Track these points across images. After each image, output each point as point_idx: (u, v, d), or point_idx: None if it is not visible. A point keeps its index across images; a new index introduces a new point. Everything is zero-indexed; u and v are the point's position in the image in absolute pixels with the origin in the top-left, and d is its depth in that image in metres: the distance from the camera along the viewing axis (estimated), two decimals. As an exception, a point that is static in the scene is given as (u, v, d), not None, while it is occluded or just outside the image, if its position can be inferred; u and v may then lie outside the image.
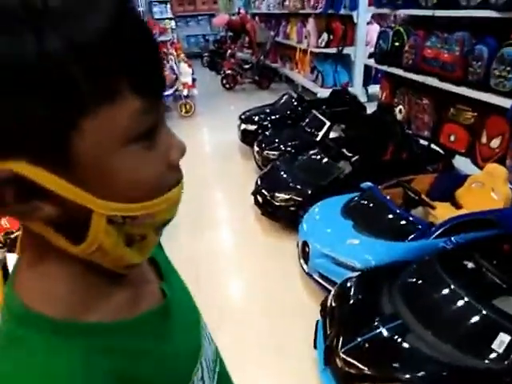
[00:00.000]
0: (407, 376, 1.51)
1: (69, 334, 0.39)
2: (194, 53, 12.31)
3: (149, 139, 0.39)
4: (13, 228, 2.25)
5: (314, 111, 4.30)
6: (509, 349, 1.48)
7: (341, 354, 1.65)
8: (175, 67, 6.62)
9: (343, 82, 6.38)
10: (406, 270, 1.98)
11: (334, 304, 1.94)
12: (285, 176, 3.33)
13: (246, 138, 4.75)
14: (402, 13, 3.97)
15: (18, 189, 0.34)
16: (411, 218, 2.43)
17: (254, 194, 3.39)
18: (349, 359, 1.62)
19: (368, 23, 6.27)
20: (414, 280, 1.94)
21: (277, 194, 3.14)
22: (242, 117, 4.93)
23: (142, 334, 0.46)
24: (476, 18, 2.82)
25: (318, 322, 2.00)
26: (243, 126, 4.81)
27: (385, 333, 1.67)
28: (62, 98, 0.32)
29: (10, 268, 1.98)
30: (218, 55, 10.22)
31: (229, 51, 8.80)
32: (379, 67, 4.34)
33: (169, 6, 12.05)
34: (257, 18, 10.04)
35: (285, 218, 3.18)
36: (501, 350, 1.48)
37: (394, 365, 1.57)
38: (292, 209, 3.08)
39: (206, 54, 11.15)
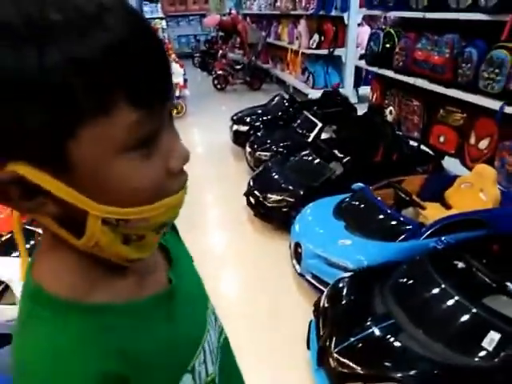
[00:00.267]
0: (399, 375, 1.52)
1: (73, 312, 0.43)
2: (185, 53, 12.28)
3: (147, 147, 0.40)
4: (1, 231, 2.21)
5: (306, 112, 4.32)
6: (499, 346, 1.50)
7: (334, 354, 1.66)
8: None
9: (334, 83, 6.40)
10: (398, 270, 2.00)
11: (326, 304, 1.95)
12: (277, 177, 3.33)
13: (238, 139, 4.75)
14: (393, 15, 4.00)
15: (22, 188, 0.37)
16: (402, 219, 2.46)
17: (247, 195, 3.39)
18: (342, 359, 1.63)
19: (359, 25, 6.30)
20: (406, 280, 1.96)
21: (269, 195, 3.15)
22: (234, 118, 4.93)
23: (145, 316, 0.49)
24: (466, 21, 2.85)
25: (311, 322, 2.01)
26: (235, 127, 4.80)
27: (377, 332, 1.69)
28: (60, 109, 0.34)
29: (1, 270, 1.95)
30: (209, 55, 10.21)
31: (220, 52, 8.78)
32: (370, 69, 4.36)
33: (159, 5, 11.97)
34: (248, 19, 10.01)
35: (277, 218, 3.19)
36: (491, 348, 1.51)
37: (387, 364, 1.59)
38: (284, 210, 3.09)
39: (197, 55, 11.13)
